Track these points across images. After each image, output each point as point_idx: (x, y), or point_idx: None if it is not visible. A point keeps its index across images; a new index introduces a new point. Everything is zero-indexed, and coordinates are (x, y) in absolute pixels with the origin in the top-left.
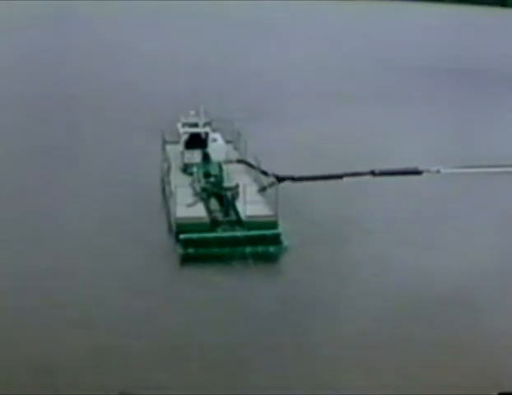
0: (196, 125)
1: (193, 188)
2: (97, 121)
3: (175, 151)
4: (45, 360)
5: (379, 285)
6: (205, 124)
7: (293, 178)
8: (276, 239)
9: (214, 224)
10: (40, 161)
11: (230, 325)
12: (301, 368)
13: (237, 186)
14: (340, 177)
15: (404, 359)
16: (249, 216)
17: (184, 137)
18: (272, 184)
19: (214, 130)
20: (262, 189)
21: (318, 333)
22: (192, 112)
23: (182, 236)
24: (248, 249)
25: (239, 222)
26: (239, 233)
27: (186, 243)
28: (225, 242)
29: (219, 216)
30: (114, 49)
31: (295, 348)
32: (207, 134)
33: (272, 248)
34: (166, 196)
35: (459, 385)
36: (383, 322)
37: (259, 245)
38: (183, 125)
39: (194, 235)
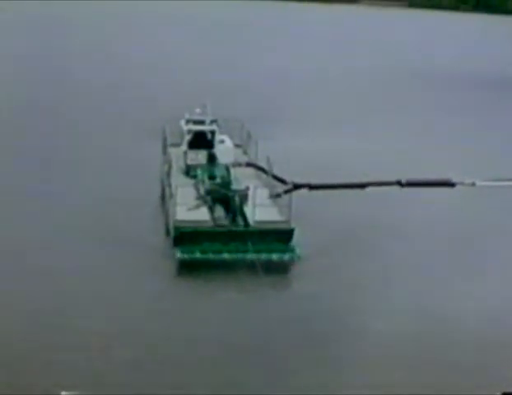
0: (202, 123)
1: (196, 190)
2: (95, 121)
3: (178, 153)
4: (38, 364)
5: (394, 300)
6: (211, 122)
7: (310, 186)
8: (288, 237)
9: None
10: (35, 161)
11: (232, 340)
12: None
13: (246, 189)
14: (362, 186)
15: (408, 359)
16: (259, 222)
17: (188, 136)
18: (287, 191)
19: (222, 132)
20: (277, 195)
21: (330, 351)
22: (197, 110)
23: (178, 228)
24: (255, 256)
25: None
26: (243, 228)
27: (181, 238)
28: (227, 237)
29: (224, 220)
30: (113, 50)
31: (304, 368)
32: (213, 133)
33: (283, 256)
34: (166, 199)
35: (462, 385)
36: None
37: (268, 244)
38: (187, 122)
39: (191, 228)
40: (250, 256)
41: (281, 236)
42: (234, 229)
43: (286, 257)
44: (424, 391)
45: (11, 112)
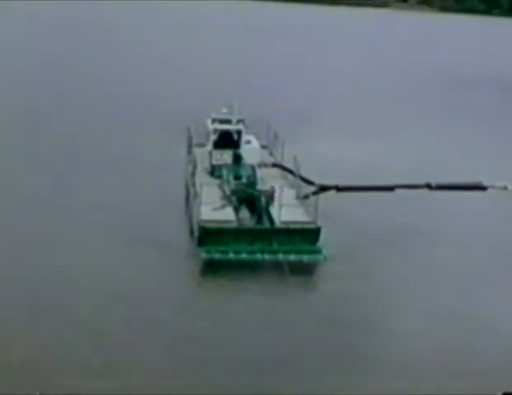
0: (228, 122)
1: (221, 190)
2: (119, 122)
3: (203, 153)
4: (54, 365)
5: (422, 303)
6: (238, 121)
7: (337, 188)
8: (314, 236)
9: None
10: (59, 163)
11: (257, 343)
12: None
13: (272, 190)
14: (391, 189)
15: (411, 358)
16: (285, 222)
17: (213, 136)
18: (315, 192)
19: (248, 132)
20: (305, 197)
21: (356, 356)
22: (224, 109)
23: (202, 227)
24: (281, 256)
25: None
26: (268, 227)
27: (206, 236)
28: (252, 236)
29: (250, 221)
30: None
31: (329, 372)
32: (239, 133)
33: (309, 257)
34: (190, 200)
35: (463, 385)
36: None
37: (294, 244)
38: (213, 121)
39: (215, 227)
40: (276, 256)
41: (307, 235)
42: (259, 227)
43: (313, 258)
44: (426, 391)
45: (37, 112)
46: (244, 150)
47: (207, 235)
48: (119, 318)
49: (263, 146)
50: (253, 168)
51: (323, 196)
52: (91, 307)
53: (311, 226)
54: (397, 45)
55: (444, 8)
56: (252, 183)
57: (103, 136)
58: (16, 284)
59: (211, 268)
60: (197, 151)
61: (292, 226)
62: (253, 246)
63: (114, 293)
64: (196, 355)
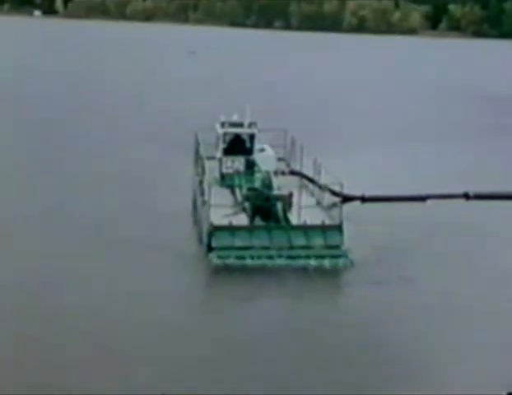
0: (239, 125)
1: (233, 196)
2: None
3: (212, 165)
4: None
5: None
6: (250, 125)
7: (363, 199)
8: (338, 234)
9: None
10: (61, 175)
11: (273, 359)
12: None
13: (290, 195)
14: (422, 199)
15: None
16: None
17: (223, 141)
18: (341, 203)
19: (262, 141)
20: (330, 207)
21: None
22: (235, 116)
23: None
24: (301, 261)
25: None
26: (286, 225)
27: (215, 234)
28: (267, 237)
29: None
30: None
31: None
32: (252, 137)
33: (334, 262)
34: (198, 209)
35: (467, 384)
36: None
37: (316, 247)
38: (223, 125)
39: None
40: (295, 262)
41: (329, 235)
42: (275, 226)
43: (338, 262)
44: (429, 390)
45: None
46: (258, 157)
47: (217, 235)
48: (123, 329)
49: (280, 159)
50: (268, 175)
51: (347, 206)
52: (96, 313)
53: (332, 223)
54: (423, 69)
55: (479, 34)
56: (267, 186)
57: (102, 148)
58: (27, 293)
59: (222, 275)
60: (206, 163)
61: (311, 224)
62: (269, 250)
63: (115, 310)
64: (205, 366)
